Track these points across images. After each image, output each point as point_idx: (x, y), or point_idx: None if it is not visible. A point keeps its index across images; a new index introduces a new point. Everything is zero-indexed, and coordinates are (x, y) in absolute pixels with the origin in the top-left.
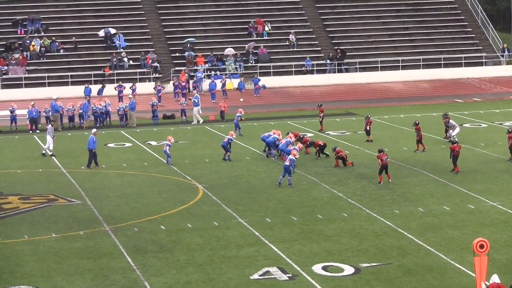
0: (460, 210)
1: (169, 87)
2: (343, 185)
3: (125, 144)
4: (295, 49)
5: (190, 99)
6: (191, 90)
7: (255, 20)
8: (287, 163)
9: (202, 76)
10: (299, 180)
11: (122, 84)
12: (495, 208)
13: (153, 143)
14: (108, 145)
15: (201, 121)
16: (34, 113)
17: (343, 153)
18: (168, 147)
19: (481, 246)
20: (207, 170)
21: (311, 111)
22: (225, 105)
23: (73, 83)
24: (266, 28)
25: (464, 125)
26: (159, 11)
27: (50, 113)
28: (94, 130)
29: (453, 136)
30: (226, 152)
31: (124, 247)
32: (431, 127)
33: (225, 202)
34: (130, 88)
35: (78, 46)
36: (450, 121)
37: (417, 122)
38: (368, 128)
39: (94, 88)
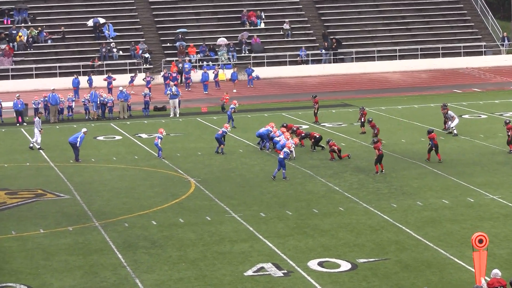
0: (459, 204)
1: (160, 78)
2: (339, 178)
3: (115, 137)
4: (290, 39)
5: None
6: (183, 81)
7: (248, 11)
8: (282, 156)
9: (191, 68)
10: (294, 174)
11: (112, 75)
12: (495, 202)
13: (144, 135)
14: (97, 138)
15: (178, 114)
16: (20, 106)
17: (337, 146)
18: (159, 140)
19: (480, 241)
20: (200, 163)
21: (306, 102)
22: (227, 97)
23: (61, 75)
24: (261, 22)
25: (463, 116)
26: (149, 0)
27: (39, 105)
28: (84, 129)
29: (452, 127)
30: (219, 145)
31: (115, 243)
32: (429, 118)
33: (218, 196)
34: (131, 77)
35: (67, 36)
36: (449, 112)
37: (370, 119)
38: (363, 120)
39: (83, 80)
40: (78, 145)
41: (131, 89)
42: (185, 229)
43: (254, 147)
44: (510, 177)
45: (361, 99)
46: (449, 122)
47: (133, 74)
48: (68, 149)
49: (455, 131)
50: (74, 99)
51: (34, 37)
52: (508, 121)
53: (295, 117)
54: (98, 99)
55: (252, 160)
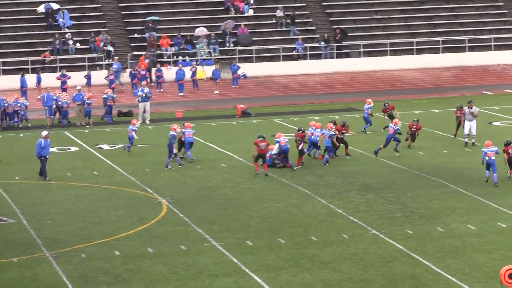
0: (488, 230)
1: (125, 76)
2: (343, 199)
3: (70, 149)
4: (284, 29)
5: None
6: (153, 80)
7: None
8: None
9: (120, 69)
10: (289, 193)
11: (66, 73)
12: None
13: (106, 146)
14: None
15: (148, 120)
16: None
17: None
18: (134, 132)
19: (511, 276)
20: (173, 180)
21: (303, 106)
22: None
23: (5, 72)
24: (250, 8)
25: (493, 123)
26: None
27: None
28: (45, 132)
29: (472, 135)
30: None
31: (69, 277)
32: (453, 126)
33: (195, 221)
34: (85, 77)
35: (12, 25)
36: (474, 108)
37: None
38: (417, 134)
39: (32, 78)
40: (45, 153)
41: (88, 91)
42: (155, 261)
43: (239, 160)
44: None
45: None
46: (469, 126)
47: (87, 73)
48: (13, 162)
49: (473, 140)
50: (27, 104)
51: None
52: None
53: (290, 124)
54: (55, 102)
55: (237, 176)
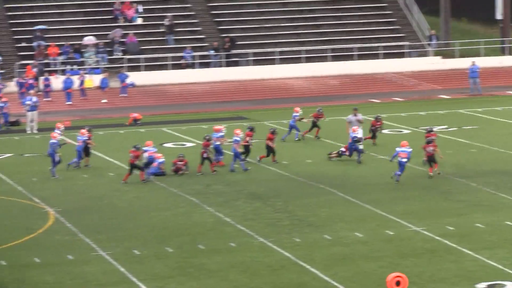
0: (376, 238)
1: (12, 85)
2: (231, 207)
3: None
4: (172, 37)
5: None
6: (41, 89)
7: (122, 3)
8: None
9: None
10: (176, 202)
11: None
12: (419, 235)
13: None
14: None
15: (35, 129)
16: None
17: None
18: (59, 135)
19: (398, 283)
20: (60, 189)
21: (191, 115)
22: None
23: None
24: (138, 17)
25: (382, 131)
26: None
27: None
28: None
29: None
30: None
31: None
32: (339, 134)
33: (82, 230)
34: None
35: None
36: (358, 115)
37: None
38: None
39: None
40: None
41: None
42: (42, 271)
43: (127, 169)
44: (438, 204)
45: (259, 111)
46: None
47: None
48: None
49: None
50: None
51: None
52: (430, 129)
53: (178, 132)
54: None
55: (125, 185)
